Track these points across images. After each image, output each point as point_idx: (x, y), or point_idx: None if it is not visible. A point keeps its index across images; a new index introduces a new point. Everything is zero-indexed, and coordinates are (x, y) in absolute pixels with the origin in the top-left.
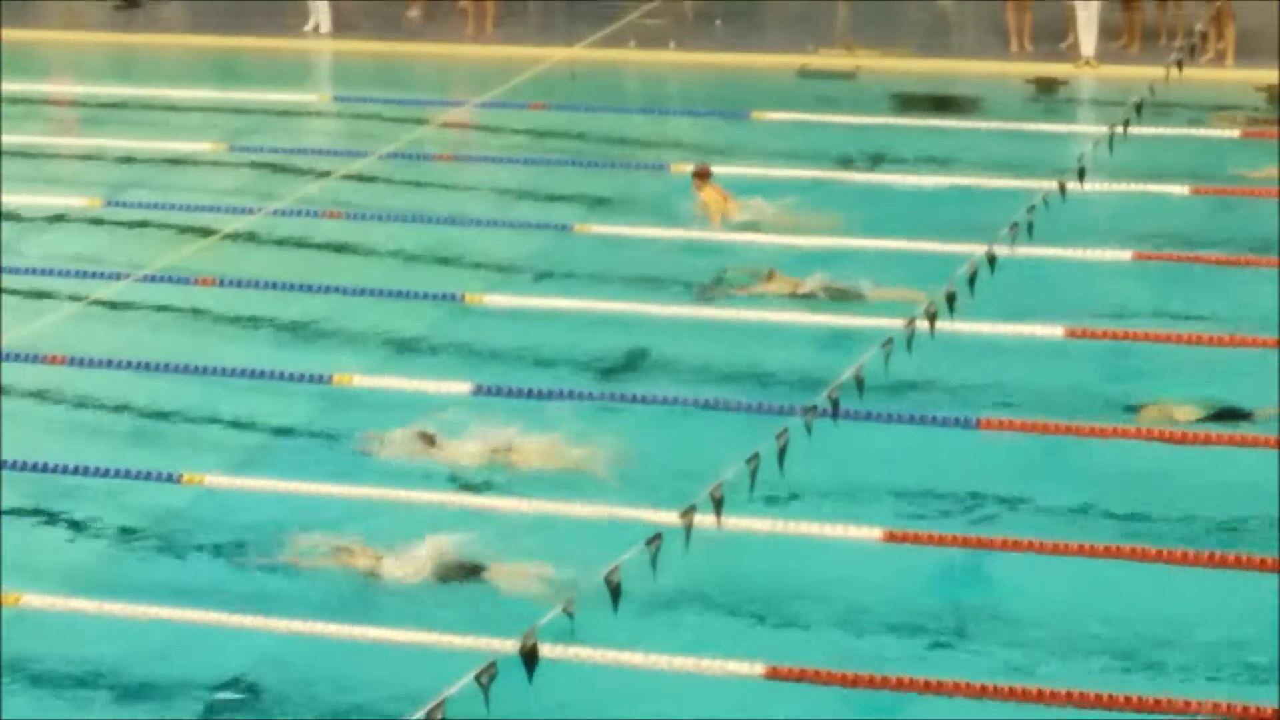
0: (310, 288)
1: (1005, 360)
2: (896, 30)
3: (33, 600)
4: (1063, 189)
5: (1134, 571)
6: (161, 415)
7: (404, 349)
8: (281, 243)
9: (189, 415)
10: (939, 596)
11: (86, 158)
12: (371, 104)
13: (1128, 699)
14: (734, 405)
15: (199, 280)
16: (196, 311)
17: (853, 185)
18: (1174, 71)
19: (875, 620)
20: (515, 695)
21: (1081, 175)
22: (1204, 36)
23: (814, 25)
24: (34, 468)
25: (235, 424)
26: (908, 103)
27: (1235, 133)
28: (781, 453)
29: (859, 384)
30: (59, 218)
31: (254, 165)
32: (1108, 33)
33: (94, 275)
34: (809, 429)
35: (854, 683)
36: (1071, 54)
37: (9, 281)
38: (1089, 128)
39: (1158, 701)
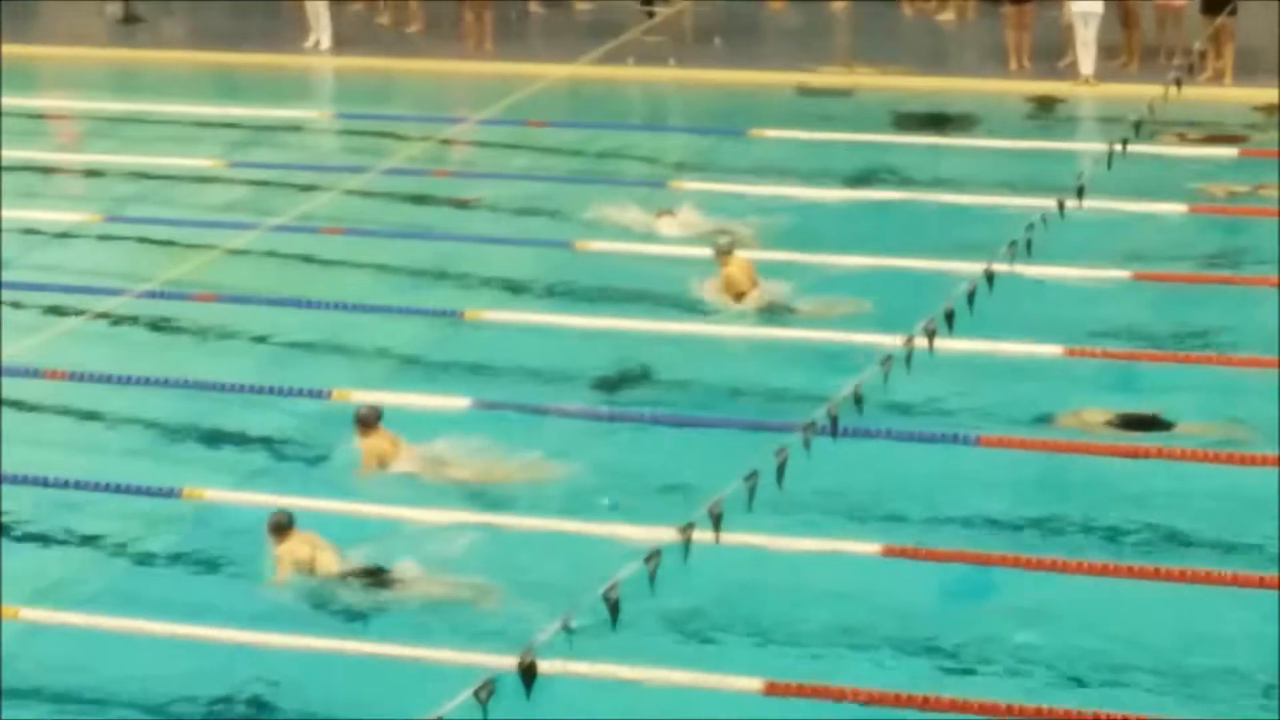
0: (309, 303)
1: (1005, 378)
2: (895, 48)
3: (30, 614)
4: (1062, 207)
5: (1134, 589)
6: (162, 430)
7: (403, 364)
8: (281, 258)
9: (189, 430)
10: (938, 612)
11: (87, 173)
12: (371, 120)
13: (1126, 718)
14: (733, 422)
15: (198, 295)
16: (196, 327)
17: (851, 203)
18: (1173, 90)
19: (874, 636)
20: (514, 711)
21: (1080, 194)
22: (1203, 55)
23: (813, 43)
24: (33, 482)
25: (235, 439)
26: (907, 121)
27: (1233, 151)
28: (781, 469)
29: (858, 401)
30: (59, 233)
31: (254, 181)
32: (1107, 51)
33: (94, 290)
34: (808, 445)
35: (852, 698)
36: (1071, 72)
37: (9, 296)
38: (1088, 146)
39: None
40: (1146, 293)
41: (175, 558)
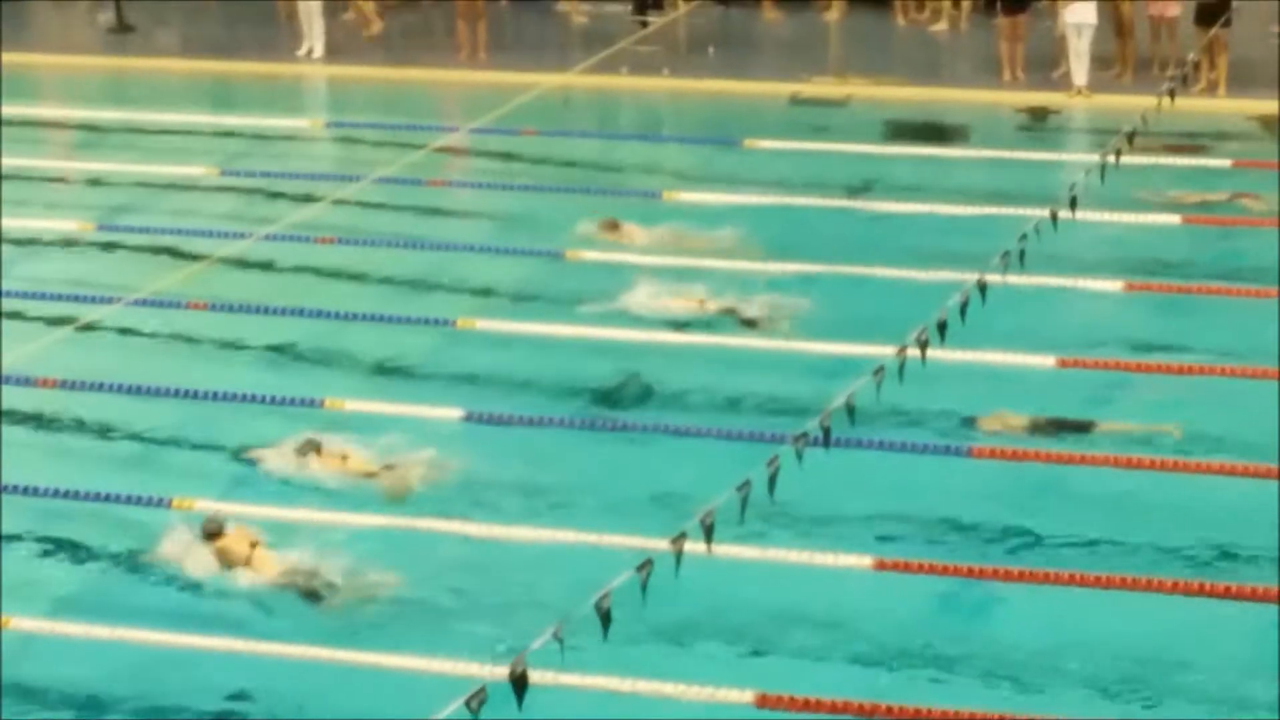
0: (302, 312)
1: (997, 389)
2: (889, 59)
3: (22, 624)
4: (1054, 218)
5: (1127, 601)
6: (153, 439)
7: (395, 374)
8: (273, 267)
9: (180, 439)
10: (930, 625)
11: (79, 181)
12: (364, 129)
13: None
14: (726, 433)
15: (191, 304)
16: (188, 336)
17: (844, 212)
18: (1166, 101)
19: (865, 648)
20: None
21: (1073, 204)
22: (1196, 66)
23: (806, 53)
24: (25, 491)
25: (226, 448)
26: (900, 131)
27: (1227, 162)
28: (772, 480)
29: (850, 411)
30: (51, 241)
31: (246, 190)
32: (1101, 62)
33: (86, 299)
34: (800, 456)
35: (843, 710)
36: (1064, 83)
37: (1, 305)
38: (1081, 157)
39: None
40: (1140, 303)
41: (165, 568)
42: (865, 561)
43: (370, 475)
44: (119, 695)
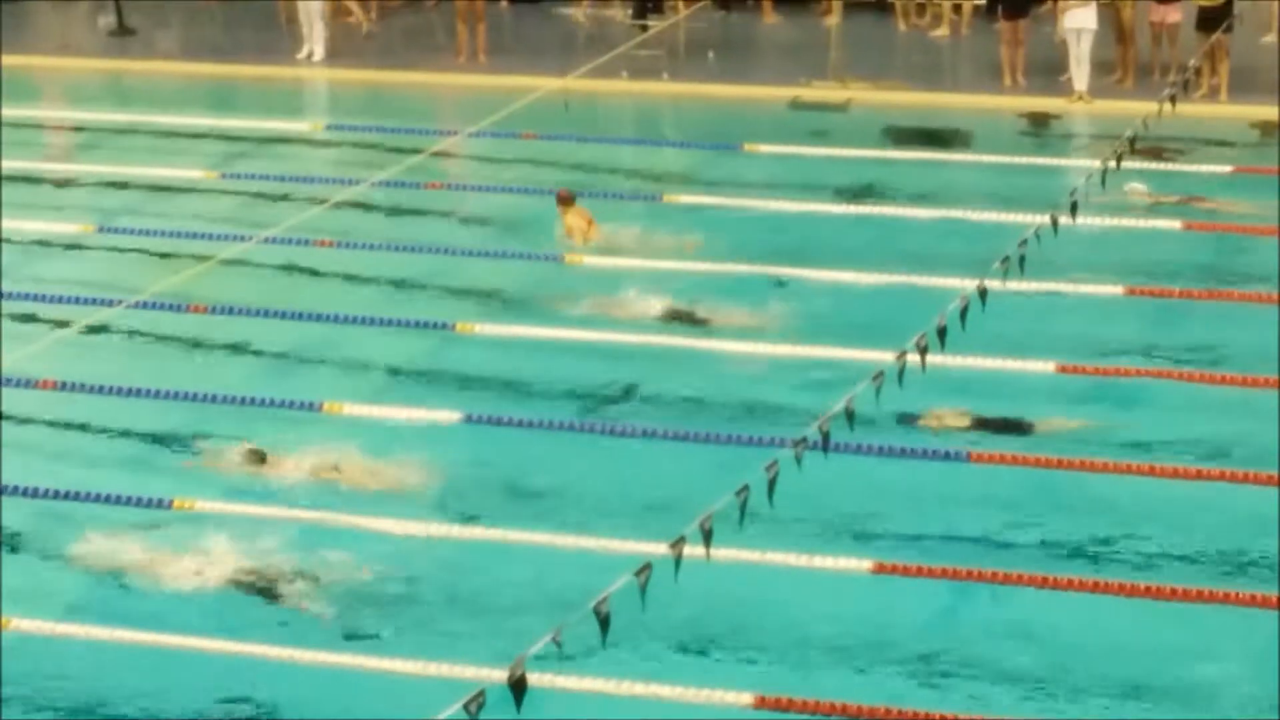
0: (301, 315)
1: (996, 394)
2: (889, 63)
3: (22, 625)
4: (1055, 223)
5: (1124, 607)
6: (153, 441)
7: (394, 377)
8: (273, 270)
9: (180, 441)
10: (928, 629)
11: (79, 183)
12: (364, 132)
13: None
14: (725, 437)
15: (191, 307)
16: (187, 338)
17: (843, 217)
18: (1167, 107)
19: (865, 652)
20: None
21: (1074, 210)
22: (1198, 72)
23: (806, 58)
24: (24, 492)
25: (226, 451)
26: (900, 136)
27: (1228, 168)
28: (771, 484)
29: (849, 416)
30: (52, 243)
31: (246, 193)
32: (1102, 68)
33: (85, 301)
34: (800, 461)
35: (841, 713)
36: (1066, 88)
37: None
38: (1081, 162)
39: None
40: (1140, 309)
41: (166, 569)
42: (864, 565)
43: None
44: (117, 697)
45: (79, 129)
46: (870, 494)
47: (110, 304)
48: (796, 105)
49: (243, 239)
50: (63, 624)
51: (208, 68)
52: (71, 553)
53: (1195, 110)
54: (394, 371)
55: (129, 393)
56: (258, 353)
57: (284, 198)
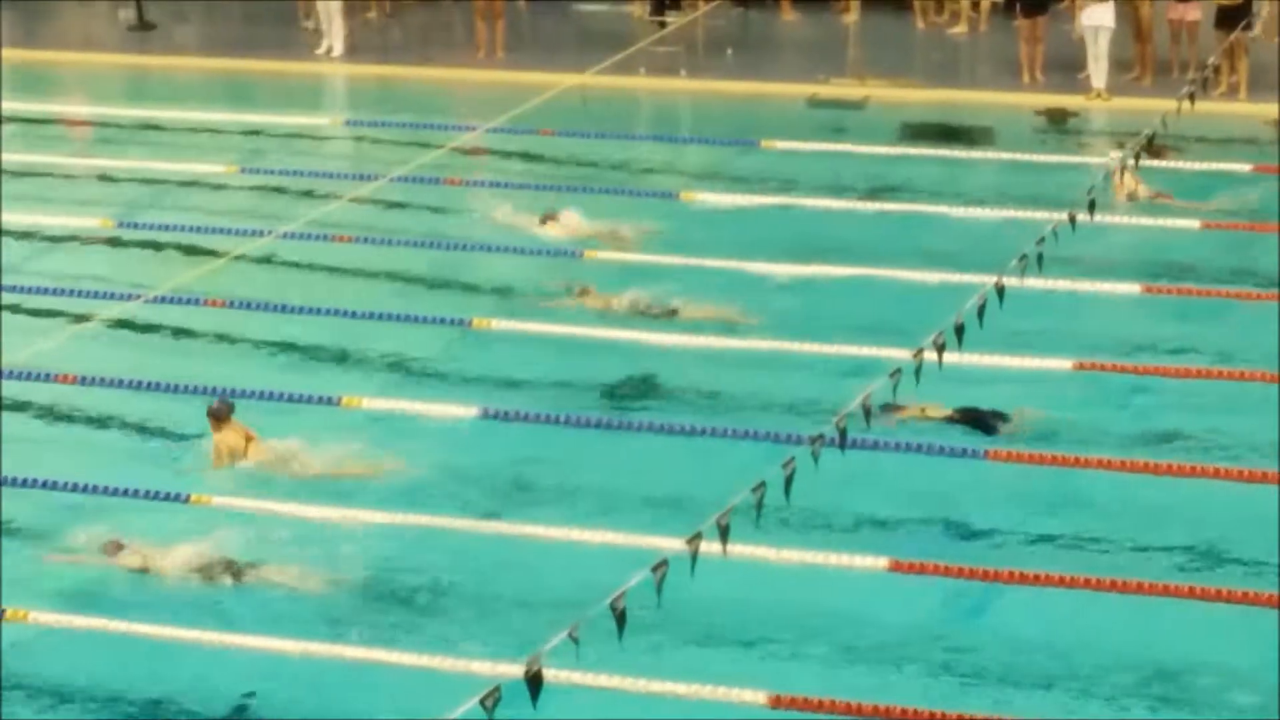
0: (319, 310)
1: (1013, 392)
2: (907, 61)
3: (40, 617)
4: (1073, 221)
5: (1140, 605)
6: (170, 436)
7: (411, 372)
8: (291, 265)
9: (198, 437)
10: (944, 626)
11: (99, 178)
12: (382, 128)
13: None
14: (742, 434)
15: (208, 301)
16: (206, 333)
17: (861, 214)
18: (1186, 105)
19: (880, 650)
20: None
21: (1092, 207)
22: (1217, 70)
23: (824, 54)
24: (41, 485)
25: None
26: (918, 133)
27: (1247, 167)
28: (788, 481)
29: (866, 414)
30: (71, 238)
31: (265, 188)
32: (1121, 65)
33: (105, 295)
34: (816, 458)
35: (856, 712)
36: (1086, 86)
37: (21, 300)
38: (1100, 160)
39: None
40: (1158, 307)
41: (185, 563)
42: (880, 563)
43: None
44: (133, 691)
45: (99, 124)
46: (887, 492)
47: (129, 298)
48: (814, 102)
49: (261, 234)
50: (78, 616)
51: (227, 63)
52: (87, 547)
53: (1214, 108)
54: (411, 366)
55: (148, 387)
56: (275, 347)
57: (303, 193)
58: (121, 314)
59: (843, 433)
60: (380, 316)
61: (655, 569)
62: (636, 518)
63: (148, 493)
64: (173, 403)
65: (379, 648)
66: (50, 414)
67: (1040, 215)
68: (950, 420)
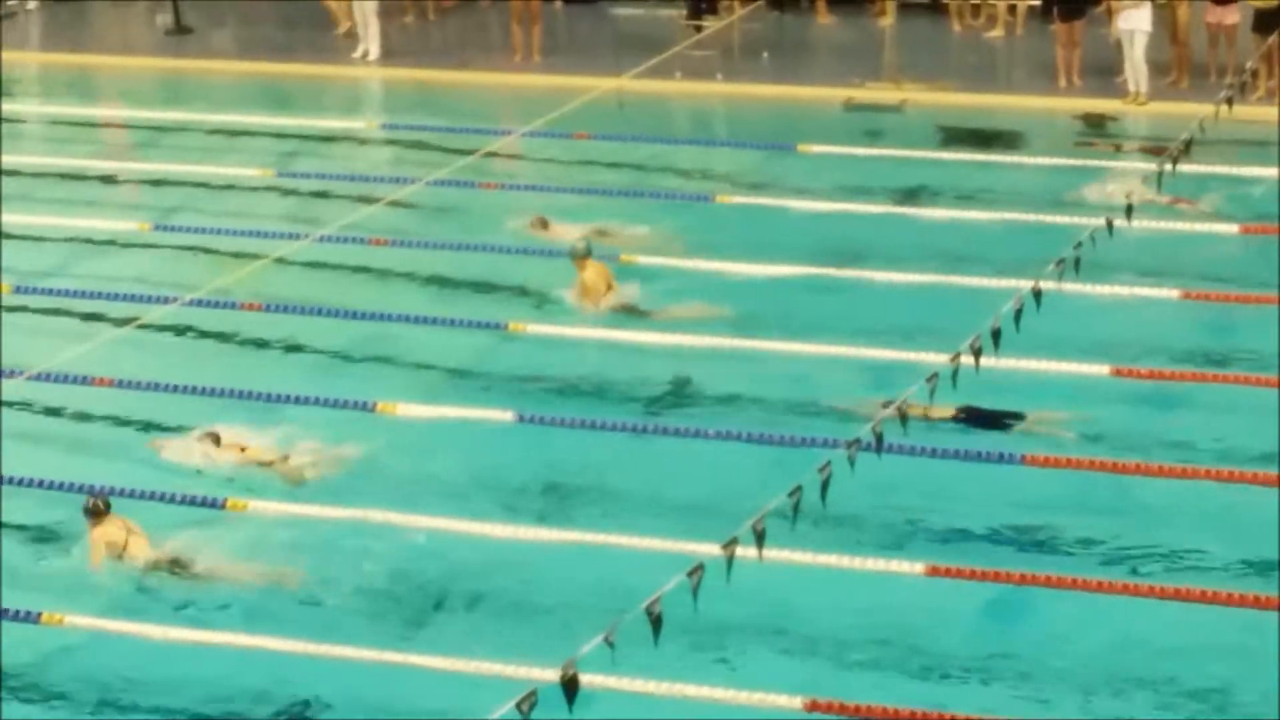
0: (355, 314)
1: (1050, 397)
2: (944, 64)
3: (76, 621)
4: (1110, 226)
5: (1179, 611)
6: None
7: (447, 376)
8: (327, 268)
9: (234, 440)
10: (981, 632)
11: (136, 181)
12: (418, 131)
13: None
14: (778, 438)
15: (245, 305)
16: (241, 336)
17: (897, 218)
18: (1224, 109)
19: (917, 655)
20: None
21: (1129, 212)
22: (1255, 74)
23: (861, 59)
24: (78, 489)
25: (280, 451)
26: (955, 137)
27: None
28: (824, 485)
29: (903, 418)
30: (109, 241)
31: (301, 191)
32: (1159, 69)
33: (142, 299)
34: (852, 462)
35: (894, 717)
36: (1123, 90)
37: (58, 303)
38: (1137, 164)
39: None
40: (1196, 312)
41: (219, 568)
42: (917, 567)
43: (267, 465)
44: (166, 694)
45: (136, 127)
46: (923, 495)
47: (165, 302)
48: (851, 106)
49: (297, 237)
50: (112, 620)
51: (264, 66)
52: (124, 551)
53: (1252, 113)
54: (447, 371)
55: (183, 390)
56: (311, 351)
57: (339, 196)
58: (157, 317)
59: (879, 437)
60: (416, 320)
61: (691, 573)
62: (672, 522)
63: (185, 497)
64: (208, 406)
65: (415, 651)
66: (87, 417)
67: (1078, 220)
68: (955, 420)
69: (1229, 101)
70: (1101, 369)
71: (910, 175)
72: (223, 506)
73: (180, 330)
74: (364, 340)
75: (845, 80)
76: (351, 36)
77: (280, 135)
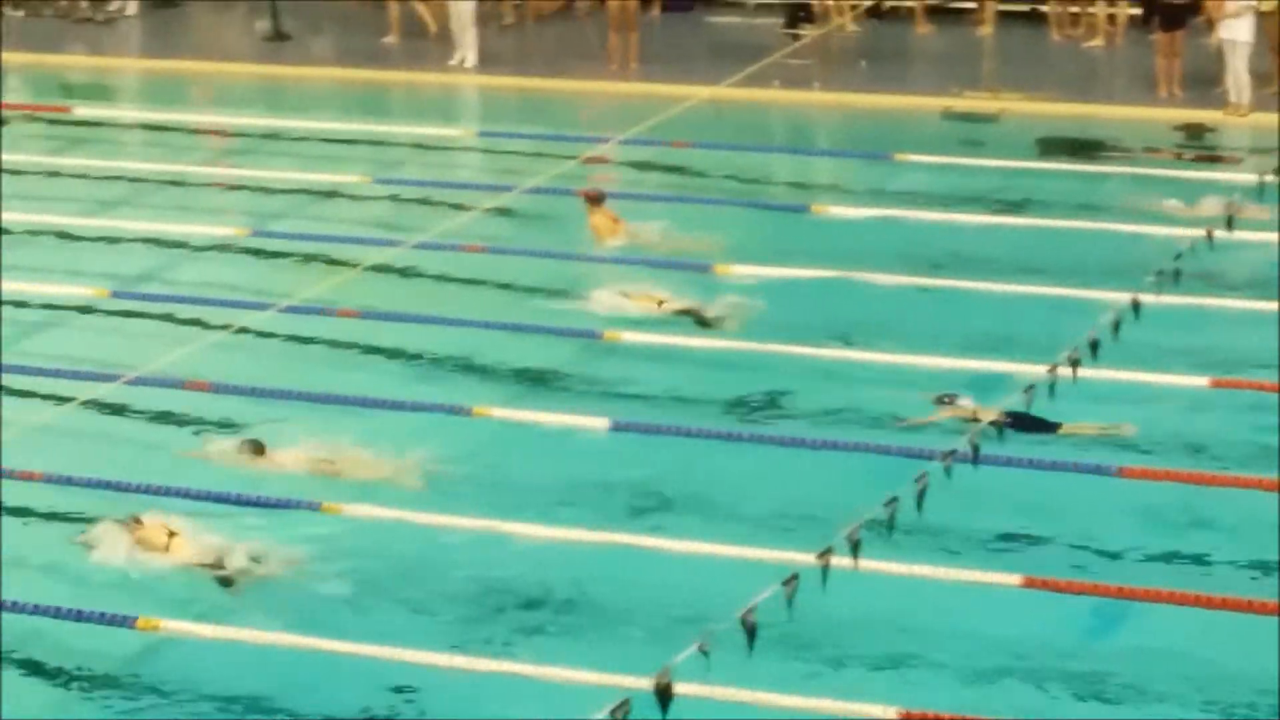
0: (450, 321)
1: (1148, 408)
2: (1042, 74)
3: (170, 626)
4: (1210, 237)
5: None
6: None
7: (542, 383)
8: (423, 275)
9: (330, 447)
10: (1078, 646)
11: (233, 187)
12: (515, 139)
13: None
14: (874, 448)
15: (341, 311)
16: (337, 342)
17: (996, 228)
18: None
19: (1011, 667)
20: None
21: (1230, 224)
22: None
23: (959, 68)
24: (175, 494)
25: (376, 456)
26: (1053, 147)
27: None
28: (920, 496)
29: (999, 429)
30: (206, 246)
31: (397, 198)
32: (1261, 80)
33: (238, 304)
34: (949, 472)
35: None
36: (1223, 100)
37: (156, 308)
38: (1237, 176)
39: None
40: None
41: (313, 572)
42: (1013, 580)
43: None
44: (263, 699)
45: (234, 133)
46: (1020, 507)
47: (262, 308)
48: (949, 115)
49: (394, 244)
50: (202, 625)
51: (361, 73)
52: (224, 556)
53: None
54: (541, 378)
55: (278, 396)
56: (407, 357)
57: (435, 203)
58: (253, 323)
59: (975, 448)
60: (511, 327)
61: (786, 583)
62: (767, 531)
63: (278, 501)
64: (305, 412)
65: (508, 659)
66: (183, 422)
67: (1177, 231)
68: (999, 425)
69: None
70: (1200, 380)
71: (1008, 185)
72: (319, 510)
73: (277, 335)
74: (458, 347)
75: (943, 89)
76: (444, 40)
77: (377, 142)
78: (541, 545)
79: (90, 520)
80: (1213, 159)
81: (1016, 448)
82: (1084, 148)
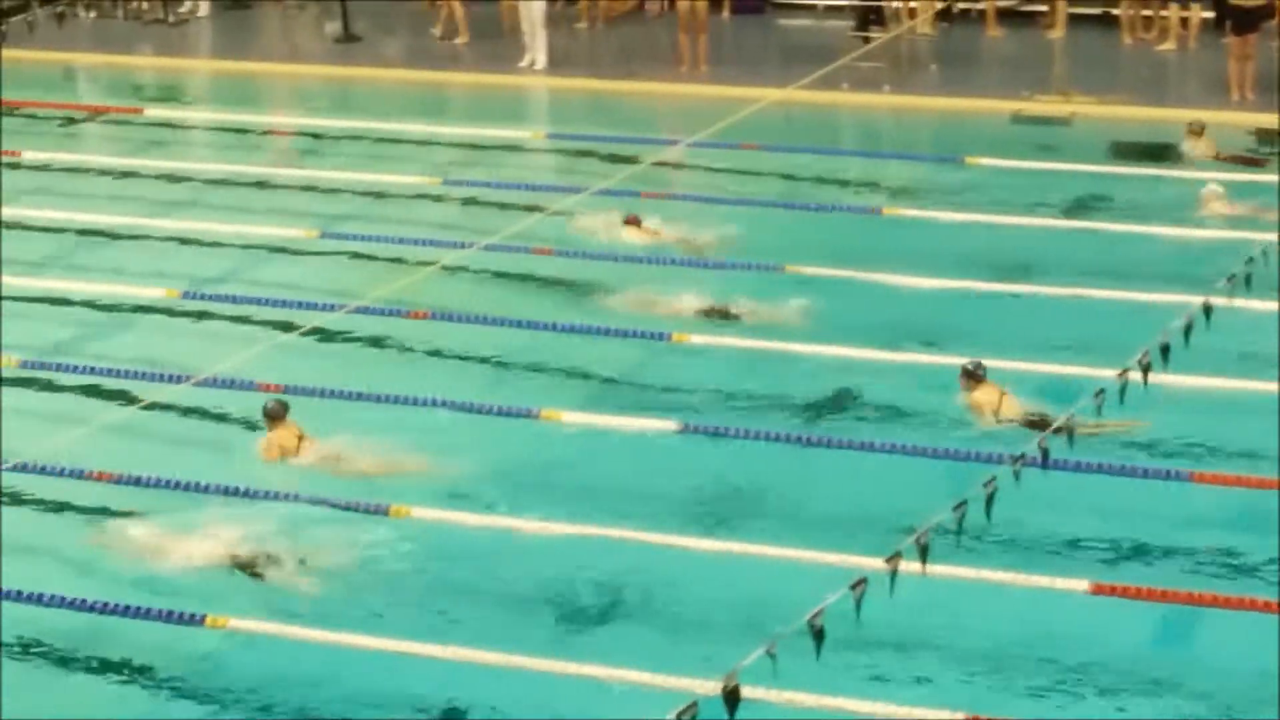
0: (520, 323)
1: (1220, 414)
2: (1114, 77)
3: (239, 624)
4: None
5: None
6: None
7: (611, 386)
8: (492, 277)
9: (400, 449)
10: (1145, 652)
11: (304, 188)
12: (584, 141)
13: None
14: (942, 452)
15: (411, 313)
16: (407, 344)
17: (1067, 232)
18: None
19: (1080, 673)
20: None
21: None
22: None
23: (1030, 71)
24: (244, 494)
25: (444, 458)
26: (1124, 150)
27: None
28: (989, 500)
29: (1069, 433)
30: (276, 247)
31: (467, 200)
32: None
33: (308, 305)
34: (1018, 477)
35: None
36: None
37: (226, 309)
38: None
39: None
40: None
41: (379, 574)
42: (1081, 585)
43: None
44: (334, 699)
45: (304, 134)
46: (1088, 512)
47: (332, 309)
48: (1019, 118)
49: (464, 245)
50: (269, 623)
51: (431, 75)
52: (292, 557)
53: None
54: (610, 380)
55: (350, 396)
56: (476, 359)
57: (505, 205)
58: (323, 324)
59: (1044, 452)
60: (580, 330)
61: (854, 586)
62: (835, 535)
63: (348, 504)
64: (375, 413)
65: (576, 661)
66: (252, 423)
67: (1248, 235)
68: (1026, 425)
69: None
70: (1271, 386)
71: (1079, 189)
72: (386, 513)
73: (346, 337)
74: (527, 349)
75: (1014, 92)
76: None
77: (447, 144)
78: (609, 548)
79: (155, 520)
80: None
81: (1085, 453)
82: (1156, 152)
